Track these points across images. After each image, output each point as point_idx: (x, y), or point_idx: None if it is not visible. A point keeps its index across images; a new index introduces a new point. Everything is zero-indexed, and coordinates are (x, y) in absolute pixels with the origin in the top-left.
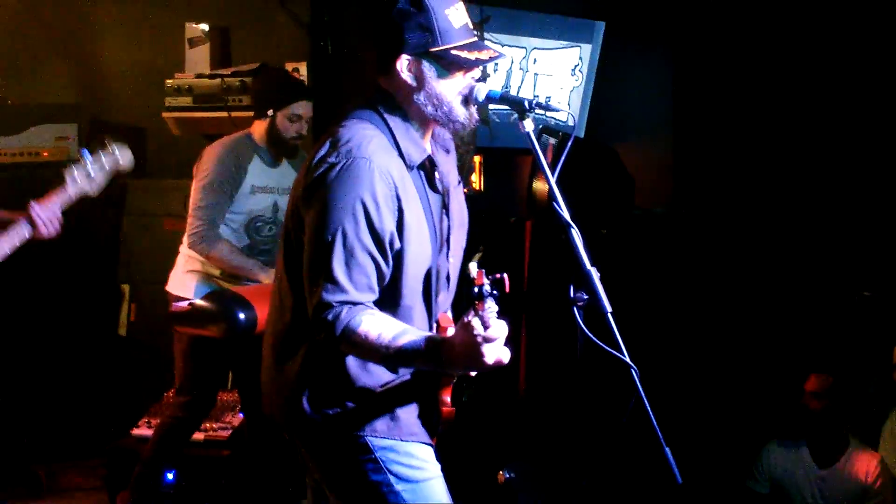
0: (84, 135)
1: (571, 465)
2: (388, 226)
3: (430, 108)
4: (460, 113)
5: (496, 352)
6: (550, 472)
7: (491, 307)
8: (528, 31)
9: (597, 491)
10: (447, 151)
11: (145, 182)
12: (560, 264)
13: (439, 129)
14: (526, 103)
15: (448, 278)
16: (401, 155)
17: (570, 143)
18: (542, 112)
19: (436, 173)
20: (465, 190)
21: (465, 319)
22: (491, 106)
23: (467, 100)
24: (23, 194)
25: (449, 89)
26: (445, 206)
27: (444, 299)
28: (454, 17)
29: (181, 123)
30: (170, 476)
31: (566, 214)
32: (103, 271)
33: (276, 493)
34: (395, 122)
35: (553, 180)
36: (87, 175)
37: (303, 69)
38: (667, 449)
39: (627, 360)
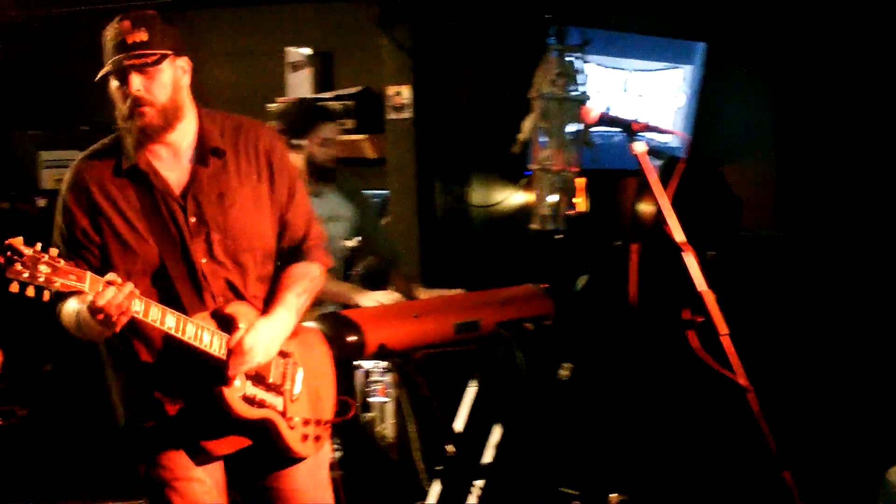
0: None
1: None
2: (78, 222)
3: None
4: (126, 126)
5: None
6: (663, 496)
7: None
8: (630, 53)
9: None
10: (212, 158)
11: None
12: (670, 287)
13: (209, 137)
14: (636, 125)
15: (205, 277)
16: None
17: (681, 167)
18: (648, 134)
19: (153, 178)
20: (571, 211)
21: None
22: (596, 128)
23: (131, 112)
24: None
25: (117, 106)
26: (182, 207)
27: (228, 300)
28: (107, 36)
29: None
30: None
31: (680, 237)
32: None
33: None
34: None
35: (666, 203)
36: None
37: (406, 92)
38: (785, 471)
39: (745, 382)
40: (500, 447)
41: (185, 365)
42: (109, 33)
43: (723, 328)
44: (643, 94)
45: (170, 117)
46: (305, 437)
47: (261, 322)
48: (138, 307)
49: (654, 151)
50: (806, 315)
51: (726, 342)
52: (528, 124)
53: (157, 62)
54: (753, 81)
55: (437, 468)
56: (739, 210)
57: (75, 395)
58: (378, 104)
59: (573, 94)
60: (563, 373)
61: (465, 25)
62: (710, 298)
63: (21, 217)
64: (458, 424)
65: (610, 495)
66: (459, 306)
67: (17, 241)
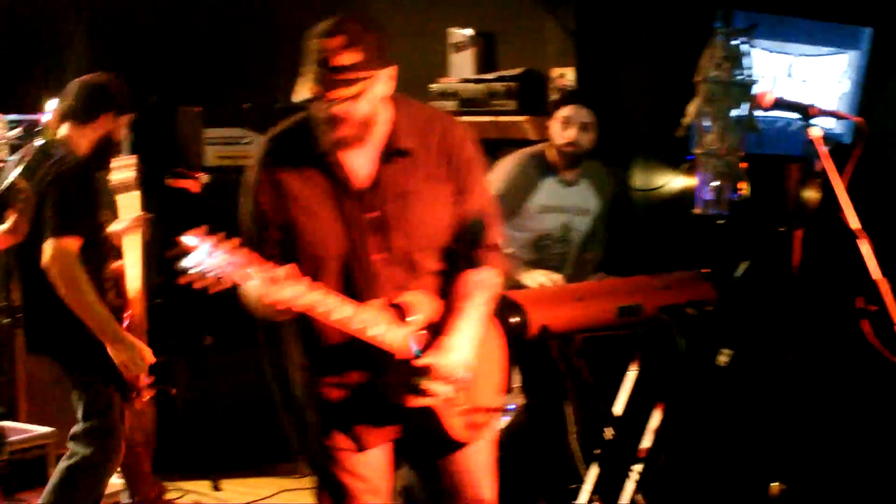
0: None
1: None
2: (264, 205)
3: None
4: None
5: None
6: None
7: None
8: (795, 37)
9: None
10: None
11: None
12: (836, 274)
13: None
14: (812, 109)
15: (378, 272)
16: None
17: (857, 153)
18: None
19: (336, 170)
20: (736, 196)
21: None
22: (762, 112)
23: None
24: None
25: None
26: (362, 202)
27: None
28: (314, 46)
29: None
30: None
31: (856, 224)
32: None
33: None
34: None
35: (842, 189)
36: None
37: (570, 74)
38: None
39: None
40: (659, 432)
41: (357, 351)
42: (316, 45)
43: None
44: (807, 80)
45: (366, 130)
46: (469, 424)
47: (453, 339)
48: (310, 299)
49: (824, 137)
50: None
51: None
52: (692, 108)
53: (366, 81)
54: None
55: (595, 452)
56: None
57: (235, 368)
58: (541, 86)
59: (739, 78)
60: (723, 359)
61: (630, 7)
62: (885, 287)
63: (185, 193)
64: (618, 409)
65: (771, 484)
66: (622, 290)
67: (194, 233)
